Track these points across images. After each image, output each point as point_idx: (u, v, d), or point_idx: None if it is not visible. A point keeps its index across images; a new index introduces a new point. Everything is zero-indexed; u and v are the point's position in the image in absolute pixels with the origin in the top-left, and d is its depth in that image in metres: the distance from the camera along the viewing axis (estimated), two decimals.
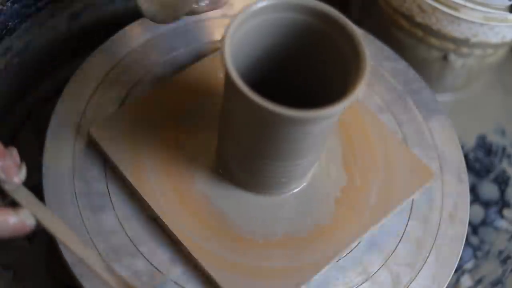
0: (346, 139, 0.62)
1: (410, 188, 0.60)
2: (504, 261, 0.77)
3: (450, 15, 0.74)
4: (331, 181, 0.60)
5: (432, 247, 0.60)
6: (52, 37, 0.74)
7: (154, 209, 0.56)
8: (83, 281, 0.54)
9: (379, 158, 0.61)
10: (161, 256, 0.55)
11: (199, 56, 0.66)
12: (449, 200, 0.62)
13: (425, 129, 0.66)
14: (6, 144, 0.48)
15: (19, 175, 0.47)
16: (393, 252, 0.59)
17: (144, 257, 0.55)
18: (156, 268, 0.55)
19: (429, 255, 0.59)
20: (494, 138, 0.86)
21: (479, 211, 0.81)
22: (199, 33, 0.68)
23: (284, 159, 0.52)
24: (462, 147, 0.79)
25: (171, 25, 0.66)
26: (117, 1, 0.78)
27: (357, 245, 0.58)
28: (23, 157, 0.72)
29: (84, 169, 0.59)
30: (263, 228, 0.57)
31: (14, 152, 0.47)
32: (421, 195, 0.62)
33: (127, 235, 0.56)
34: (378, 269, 0.58)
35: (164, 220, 0.55)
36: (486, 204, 0.81)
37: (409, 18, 0.79)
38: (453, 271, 0.59)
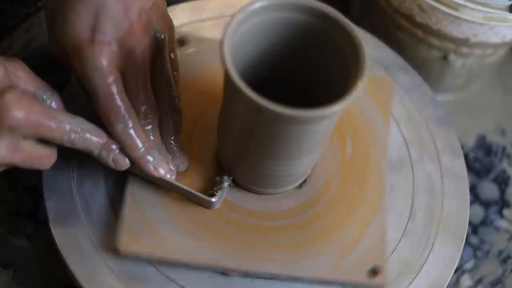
0: (341, 137, 0.63)
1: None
2: (504, 261, 0.77)
3: (450, 15, 0.74)
4: (328, 177, 0.60)
5: (432, 247, 0.60)
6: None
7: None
8: (83, 281, 0.54)
9: (372, 160, 0.62)
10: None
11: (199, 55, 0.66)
12: (449, 200, 0.62)
13: (425, 128, 0.66)
14: None
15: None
16: (393, 252, 0.59)
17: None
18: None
19: (429, 255, 0.59)
20: (494, 138, 0.86)
21: (479, 211, 0.81)
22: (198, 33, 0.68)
23: (284, 158, 0.52)
24: (462, 147, 0.79)
25: None
26: None
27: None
28: None
29: (83, 168, 0.59)
30: (260, 227, 0.57)
31: None
32: (422, 195, 0.62)
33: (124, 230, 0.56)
34: None
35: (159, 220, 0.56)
36: (486, 204, 0.81)
37: (409, 18, 0.79)
38: (453, 271, 0.59)
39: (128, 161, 0.53)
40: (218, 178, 0.57)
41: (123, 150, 0.53)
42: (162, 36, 0.55)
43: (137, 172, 0.56)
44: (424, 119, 0.66)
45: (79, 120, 0.50)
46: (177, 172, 0.57)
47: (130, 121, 0.52)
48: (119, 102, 0.51)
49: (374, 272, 0.56)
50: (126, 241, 0.54)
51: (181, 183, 0.55)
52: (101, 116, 0.52)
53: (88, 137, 0.51)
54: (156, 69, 0.55)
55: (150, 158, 0.53)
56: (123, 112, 0.51)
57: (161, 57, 0.55)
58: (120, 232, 0.55)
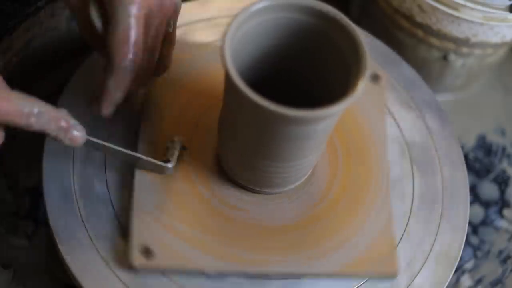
0: (342, 137, 0.63)
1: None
2: (504, 261, 0.77)
3: (450, 15, 0.74)
4: (329, 177, 0.60)
5: (432, 246, 0.60)
6: (52, 37, 0.74)
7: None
8: (83, 281, 0.54)
9: (373, 162, 0.62)
10: None
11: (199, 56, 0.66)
12: (449, 200, 0.62)
13: (425, 128, 0.66)
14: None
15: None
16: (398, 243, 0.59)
17: None
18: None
19: (429, 255, 0.59)
20: (494, 138, 0.86)
21: (479, 211, 0.81)
22: (198, 35, 0.68)
23: (284, 159, 0.52)
24: (462, 147, 0.79)
25: None
26: None
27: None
28: (23, 157, 0.73)
29: (83, 168, 0.59)
30: (262, 227, 0.57)
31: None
32: (422, 194, 0.62)
33: (124, 230, 0.56)
34: None
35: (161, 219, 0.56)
36: (486, 204, 0.81)
37: (409, 18, 0.79)
38: (453, 271, 0.59)
39: (83, 137, 0.53)
40: (169, 143, 0.58)
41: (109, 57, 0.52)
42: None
43: (112, 154, 0.56)
44: (424, 119, 0.66)
45: (37, 103, 0.50)
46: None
47: (135, 56, 0.52)
48: (135, 38, 0.51)
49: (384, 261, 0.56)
50: (139, 257, 0.54)
51: (140, 154, 0.56)
52: (110, 43, 0.51)
53: (46, 120, 0.50)
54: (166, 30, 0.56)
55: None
56: (133, 49, 0.51)
57: (175, 20, 0.56)
58: (132, 248, 0.54)
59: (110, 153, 0.56)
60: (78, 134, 0.52)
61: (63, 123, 0.51)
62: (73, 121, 0.52)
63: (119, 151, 0.55)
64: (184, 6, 0.69)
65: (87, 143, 0.54)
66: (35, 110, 0.49)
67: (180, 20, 0.66)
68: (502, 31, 0.76)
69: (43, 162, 0.58)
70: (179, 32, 0.66)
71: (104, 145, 0.55)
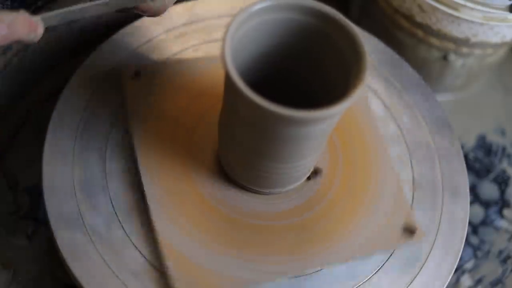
0: (342, 137, 0.63)
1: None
2: (504, 261, 0.77)
3: (450, 15, 0.74)
4: (329, 177, 0.60)
5: (432, 246, 0.60)
6: (51, 37, 0.74)
7: (151, 208, 0.56)
8: (83, 281, 0.54)
9: (372, 174, 0.62)
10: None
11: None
12: (449, 200, 0.62)
13: (425, 128, 0.66)
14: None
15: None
16: (393, 251, 0.59)
17: (141, 253, 0.55)
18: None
19: (429, 255, 0.59)
20: (494, 138, 0.86)
21: (479, 211, 0.81)
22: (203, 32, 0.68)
23: (284, 159, 0.52)
24: (462, 147, 0.79)
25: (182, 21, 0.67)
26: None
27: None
28: (23, 157, 0.73)
29: (83, 168, 0.59)
30: (262, 227, 0.57)
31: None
32: (421, 195, 0.62)
33: (124, 230, 0.56)
34: (379, 269, 0.58)
35: (157, 220, 0.56)
36: (486, 204, 0.81)
37: (409, 18, 0.79)
38: (453, 271, 0.59)
39: (42, 28, 0.50)
40: None
41: None
42: None
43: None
44: (424, 119, 0.66)
45: (3, 14, 0.48)
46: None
47: None
48: None
49: None
50: None
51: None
52: None
53: (20, 26, 0.48)
54: None
55: None
56: None
57: None
58: None
59: (80, 14, 0.53)
60: (41, 27, 0.50)
61: (30, 25, 0.49)
62: (35, 18, 0.49)
63: (86, 7, 0.52)
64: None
65: (51, 20, 0.51)
66: (10, 18, 0.47)
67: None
68: (502, 31, 0.76)
69: (43, 162, 0.58)
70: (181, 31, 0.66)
71: (68, 11, 0.52)
